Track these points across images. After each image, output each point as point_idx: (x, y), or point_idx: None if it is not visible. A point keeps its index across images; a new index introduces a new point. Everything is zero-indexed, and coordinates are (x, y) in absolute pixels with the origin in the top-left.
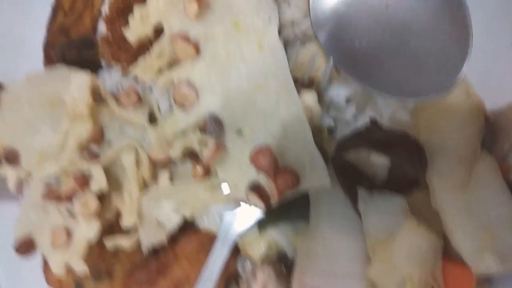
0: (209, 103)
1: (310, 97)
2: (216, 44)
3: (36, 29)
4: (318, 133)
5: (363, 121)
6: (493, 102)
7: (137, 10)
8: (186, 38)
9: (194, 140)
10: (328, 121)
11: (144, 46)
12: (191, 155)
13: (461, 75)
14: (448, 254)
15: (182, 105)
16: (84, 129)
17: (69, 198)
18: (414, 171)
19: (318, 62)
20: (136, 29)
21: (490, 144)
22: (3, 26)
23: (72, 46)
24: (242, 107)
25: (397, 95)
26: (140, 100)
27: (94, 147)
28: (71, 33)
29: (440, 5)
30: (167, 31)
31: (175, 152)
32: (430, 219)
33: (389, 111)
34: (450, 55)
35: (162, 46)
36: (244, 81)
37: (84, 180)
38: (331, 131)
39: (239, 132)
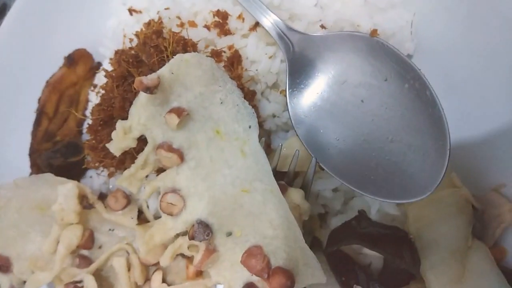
0: (196, 209)
1: (297, 195)
2: (200, 150)
3: (22, 135)
4: (310, 222)
5: (352, 209)
6: (477, 187)
7: (120, 125)
8: (170, 148)
9: (184, 246)
10: (318, 209)
11: (129, 153)
12: (183, 255)
13: (444, 172)
14: None
15: (170, 213)
16: (74, 237)
17: None
18: (408, 266)
19: (302, 156)
20: (118, 142)
21: (481, 232)
22: None
23: (57, 153)
24: (230, 210)
25: (380, 195)
26: (128, 202)
27: (85, 252)
28: (57, 137)
29: (414, 103)
30: (150, 142)
31: (165, 260)
32: None
33: (376, 203)
34: (431, 150)
35: (146, 157)
36: (229, 186)
37: None
38: (322, 216)
39: (230, 234)
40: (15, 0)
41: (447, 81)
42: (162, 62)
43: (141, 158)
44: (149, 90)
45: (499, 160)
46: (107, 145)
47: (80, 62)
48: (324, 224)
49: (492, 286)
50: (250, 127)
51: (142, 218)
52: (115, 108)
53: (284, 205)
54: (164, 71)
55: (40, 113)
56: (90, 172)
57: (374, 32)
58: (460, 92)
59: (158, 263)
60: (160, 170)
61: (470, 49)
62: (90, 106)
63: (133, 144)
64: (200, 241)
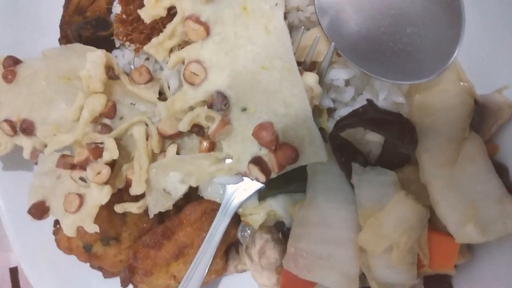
0: (217, 81)
1: (311, 78)
2: (225, 26)
3: (54, 8)
4: (319, 114)
5: (361, 103)
6: (484, 87)
7: None
8: (198, 20)
9: (201, 115)
10: (328, 103)
11: (157, 29)
12: (198, 131)
13: (453, 59)
14: (434, 225)
15: (191, 83)
16: (98, 104)
17: (83, 166)
18: (405, 147)
19: (320, 47)
20: (150, 9)
21: (479, 125)
22: (23, 5)
23: (88, 25)
24: (248, 86)
25: (393, 79)
26: (151, 78)
27: (107, 121)
28: (87, 13)
29: None
30: (179, 13)
31: (183, 125)
32: (418, 192)
33: (384, 93)
34: (444, 40)
35: (174, 27)
36: (250, 62)
37: (97, 151)
38: (331, 112)
39: (244, 109)
40: None
41: None
42: None
43: (169, 27)
44: None
45: (505, 64)
46: (138, 11)
47: None
48: (331, 119)
49: (481, 172)
50: (276, 4)
51: (162, 99)
52: None
53: (299, 85)
54: None
55: None
56: (115, 52)
57: None
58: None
59: (174, 136)
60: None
61: None
62: None
63: (163, 13)
64: (217, 111)
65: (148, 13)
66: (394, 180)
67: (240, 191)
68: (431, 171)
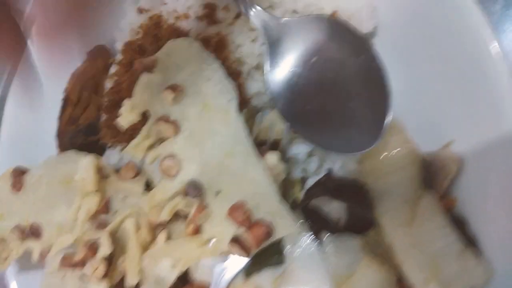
0: (190, 171)
1: (271, 158)
2: (192, 121)
3: (50, 121)
4: (291, 185)
5: (325, 172)
6: (433, 142)
7: (126, 102)
8: (168, 120)
9: (181, 203)
10: (298, 173)
11: (138, 129)
12: (185, 216)
13: (384, 130)
14: (404, 283)
15: (168, 175)
16: (93, 203)
17: (82, 264)
18: (364, 212)
19: (279, 126)
20: (126, 116)
21: (431, 182)
22: (23, 121)
23: (79, 133)
24: (218, 172)
25: (341, 151)
26: (138, 172)
27: (103, 217)
28: (80, 121)
29: (366, 71)
30: (152, 116)
31: (164, 215)
32: (385, 254)
33: (339, 162)
34: (376, 111)
35: (149, 128)
36: (216, 150)
37: (93, 248)
38: (304, 182)
39: (218, 192)
40: None
41: (403, 54)
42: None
43: (144, 129)
44: (148, 69)
45: (449, 118)
46: (117, 120)
47: (99, 56)
48: (305, 186)
49: (438, 228)
50: (231, 99)
51: (151, 188)
52: (124, 90)
53: (260, 165)
54: (160, 53)
55: (66, 100)
56: (109, 151)
57: (333, 14)
58: (414, 64)
59: (163, 223)
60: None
61: (422, 28)
62: None
63: (138, 118)
64: (193, 198)
65: (125, 120)
66: (360, 244)
67: (227, 270)
68: (392, 232)
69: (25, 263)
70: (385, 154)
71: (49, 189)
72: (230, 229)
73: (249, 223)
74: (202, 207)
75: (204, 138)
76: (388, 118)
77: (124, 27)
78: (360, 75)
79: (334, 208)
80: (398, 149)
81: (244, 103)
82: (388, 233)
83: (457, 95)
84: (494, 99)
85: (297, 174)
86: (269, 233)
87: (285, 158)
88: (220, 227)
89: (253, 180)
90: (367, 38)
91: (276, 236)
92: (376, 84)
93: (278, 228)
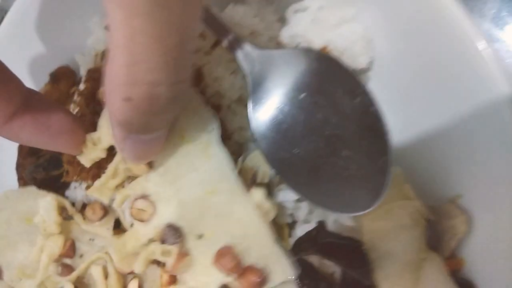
0: (166, 213)
1: (257, 194)
2: (167, 157)
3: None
4: (278, 230)
5: (317, 218)
6: (433, 197)
7: (88, 137)
8: None
9: (157, 252)
10: (287, 219)
11: (103, 166)
12: (159, 262)
13: (385, 189)
14: None
15: (140, 220)
16: (55, 247)
17: None
18: (360, 276)
19: (264, 168)
20: (88, 154)
21: (436, 243)
22: None
23: (39, 168)
24: (199, 212)
25: (332, 208)
26: (105, 213)
27: (67, 260)
28: (40, 153)
29: (362, 118)
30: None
31: (139, 267)
32: None
33: (333, 216)
34: (376, 167)
35: (115, 166)
36: (196, 189)
37: None
38: (292, 227)
39: (201, 236)
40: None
41: (401, 91)
42: None
43: (111, 167)
44: None
45: (455, 171)
46: (78, 157)
47: (62, 79)
48: (293, 233)
49: None
50: (212, 129)
51: (122, 228)
52: (86, 124)
53: (249, 203)
54: None
55: None
56: (75, 184)
57: (323, 49)
58: (415, 104)
59: (133, 273)
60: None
61: (420, 60)
62: None
63: (102, 154)
64: (171, 245)
65: (87, 158)
66: None
67: None
68: None
69: None
70: (384, 210)
71: (9, 227)
72: (216, 278)
73: (240, 269)
74: (183, 254)
75: (181, 174)
76: (390, 175)
77: (89, 49)
78: (355, 121)
79: (330, 265)
80: (399, 204)
81: (224, 138)
82: None
83: (464, 138)
84: (508, 144)
85: (283, 219)
86: (262, 281)
87: (272, 198)
88: (205, 277)
89: (240, 220)
90: (362, 79)
91: (272, 284)
92: (374, 132)
93: (273, 274)
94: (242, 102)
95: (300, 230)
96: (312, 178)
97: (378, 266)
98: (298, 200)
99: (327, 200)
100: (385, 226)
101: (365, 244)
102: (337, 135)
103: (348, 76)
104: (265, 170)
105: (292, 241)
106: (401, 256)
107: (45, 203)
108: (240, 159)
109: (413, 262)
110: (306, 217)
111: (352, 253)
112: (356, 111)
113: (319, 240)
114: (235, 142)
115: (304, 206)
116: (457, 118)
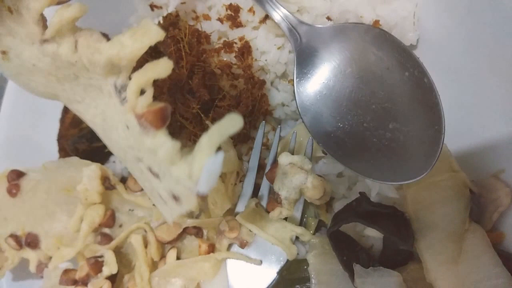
0: None
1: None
2: None
3: (51, 122)
4: (317, 206)
5: (356, 193)
6: (480, 170)
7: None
8: None
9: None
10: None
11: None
12: (197, 233)
13: (437, 157)
14: None
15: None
16: (96, 215)
17: (84, 282)
18: (403, 243)
19: (302, 140)
20: None
21: (479, 215)
22: (21, 122)
23: (83, 138)
24: None
25: (379, 178)
26: None
27: (107, 230)
28: (83, 125)
29: (413, 90)
30: None
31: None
32: None
33: (376, 188)
34: (426, 138)
35: None
36: None
37: (97, 266)
38: (329, 203)
39: None
40: None
41: (448, 70)
42: (178, 52)
43: None
44: None
45: (498, 146)
46: None
47: None
48: (330, 209)
49: (487, 267)
50: None
51: None
52: None
53: None
54: None
55: None
56: (113, 157)
57: (376, 23)
58: (461, 81)
59: (173, 241)
60: None
61: (470, 41)
62: None
63: None
64: None
65: None
66: (399, 281)
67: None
68: (436, 270)
69: (21, 273)
70: (430, 182)
71: (48, 197)
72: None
73: None
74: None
75: None
76: (442, 143)
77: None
78: (405, 93)
79: (369, 238)
80: (445, 177)
81: (265, 114)
82: (431, 270)
83: (508, 114)
84: None
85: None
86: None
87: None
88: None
89: None
90: (412, 52)
91: None
92: (426, 103)
93: None
94: (285, 77)
95: (338, 205)
96: (358, 151)
97: (422, 236)
98: (339, 175)
99: (374, 170)
100: (430, 198)
101: (409, 214)
102: (384, 108)
103: (400, 50)
104: (303, 143)
105: (330, 216)
106: (445, 227)
107: (89, 171)
108: (293, 134)
109: (457, 233)
110: (345, 193)
111: (395, 220)
112: (407, 84)
113: (361, 209)
114: (276, 118)
115: (344, 181)
116: (504, 89)
